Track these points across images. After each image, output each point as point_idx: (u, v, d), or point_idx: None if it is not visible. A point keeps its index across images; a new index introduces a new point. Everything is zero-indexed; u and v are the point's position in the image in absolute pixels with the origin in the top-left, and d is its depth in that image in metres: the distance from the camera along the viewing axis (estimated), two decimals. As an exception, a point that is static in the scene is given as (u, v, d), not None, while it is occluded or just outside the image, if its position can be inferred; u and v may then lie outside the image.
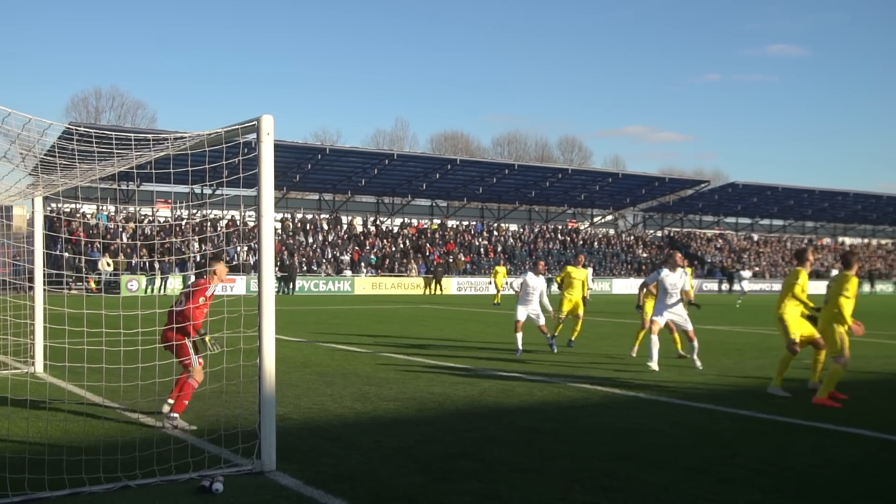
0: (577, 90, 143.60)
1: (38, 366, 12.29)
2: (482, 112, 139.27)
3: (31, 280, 12.59)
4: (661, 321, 13.61)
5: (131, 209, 54.69)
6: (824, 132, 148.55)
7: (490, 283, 46.36)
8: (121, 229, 49.17)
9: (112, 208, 53.27)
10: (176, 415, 8.47)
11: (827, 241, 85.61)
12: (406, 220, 66.81)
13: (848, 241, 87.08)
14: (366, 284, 52.17)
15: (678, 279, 13.68)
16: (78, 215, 47.80)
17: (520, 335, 15.71)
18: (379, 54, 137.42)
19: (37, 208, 12.64)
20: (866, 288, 66.20)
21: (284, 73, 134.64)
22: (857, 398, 10.74)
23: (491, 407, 9.96)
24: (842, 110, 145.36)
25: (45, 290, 12.48)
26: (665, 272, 13.68)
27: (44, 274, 12.48)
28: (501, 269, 42.95)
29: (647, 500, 5.98)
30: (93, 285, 26.43)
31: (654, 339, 13.20)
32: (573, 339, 17.47)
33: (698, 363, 13.62)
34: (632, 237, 75.17)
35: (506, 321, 25.48)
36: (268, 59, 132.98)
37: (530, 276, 16.01)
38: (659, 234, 77.94)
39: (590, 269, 29.91)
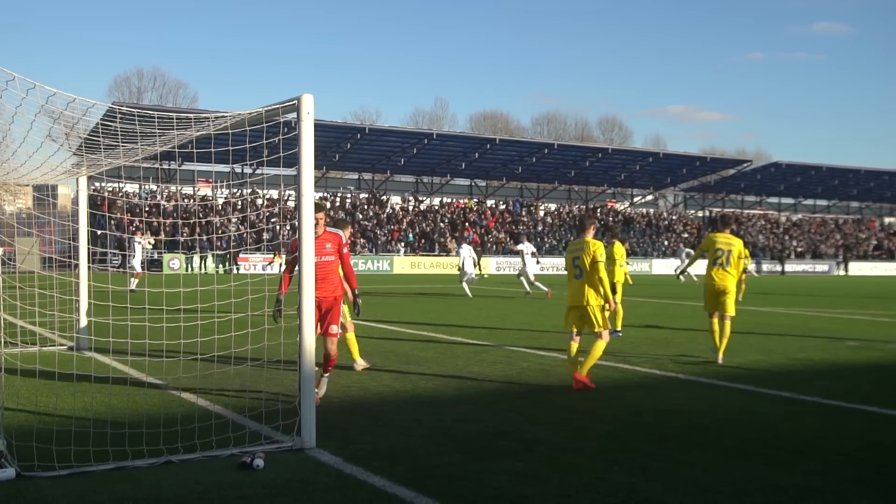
0: (618, 69, 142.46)
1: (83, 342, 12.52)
2: (522, 91, 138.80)
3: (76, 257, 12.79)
4: None
5: (173, 188, 55.31)
6: (870, 111, 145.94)
7: None
8: (162, 207, 49.72)
9: (154, 187, 53.89)
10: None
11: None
12: (445, 199, 66.81)
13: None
14: (404, 264, 52.39)
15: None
16: (120, 194, 48.43)
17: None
18: (418, 33, 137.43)
19: (81, 187, 12.82)
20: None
21: (324, 53, 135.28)
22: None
23: (530, 387, 9.95)
24: (888, 89, 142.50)
25: (89, 267, 12.66)
26: None
27: (88, 252, 12.65)
28: None
29: (686, 482, 5.94)
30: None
31: None
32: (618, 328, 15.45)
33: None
34: (672, 217, 74.49)
35: (542, 302, 25.38)
36: (307, 39, 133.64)
37: None
38: (700, 214, 77.14)
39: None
